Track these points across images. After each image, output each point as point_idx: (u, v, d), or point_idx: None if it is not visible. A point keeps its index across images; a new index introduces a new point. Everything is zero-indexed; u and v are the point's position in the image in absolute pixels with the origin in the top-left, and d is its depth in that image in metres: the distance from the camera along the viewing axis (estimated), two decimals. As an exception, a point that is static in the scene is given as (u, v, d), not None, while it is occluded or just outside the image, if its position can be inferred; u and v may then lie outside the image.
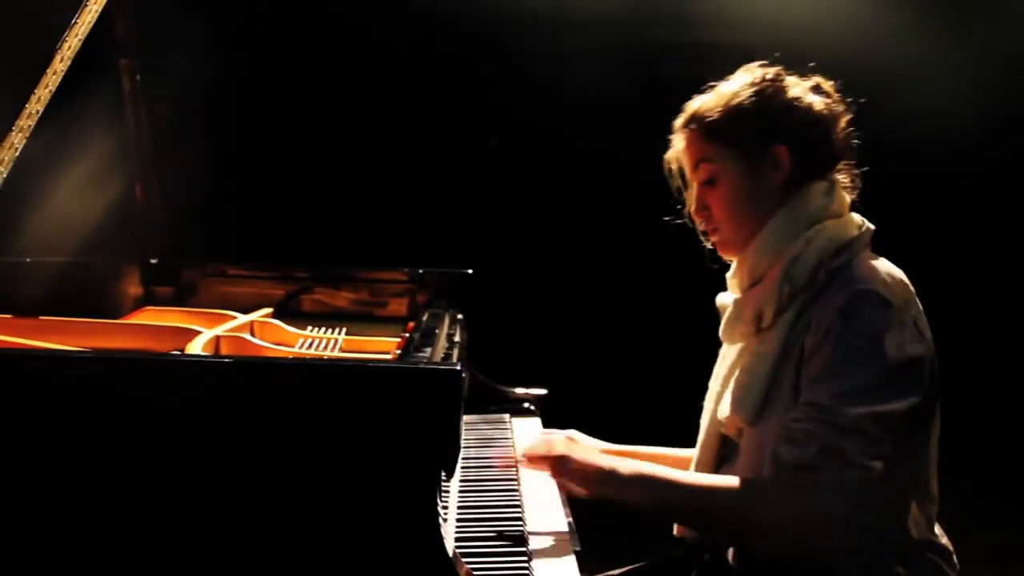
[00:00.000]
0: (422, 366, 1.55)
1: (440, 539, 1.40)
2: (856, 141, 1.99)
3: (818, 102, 1.95)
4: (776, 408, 1.82)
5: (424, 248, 3.23)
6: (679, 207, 2.05)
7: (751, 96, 1.93)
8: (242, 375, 1.50)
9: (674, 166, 2.04)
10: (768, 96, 1.93)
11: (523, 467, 2.03)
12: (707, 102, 1.96)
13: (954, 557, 1.87)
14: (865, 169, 1.99)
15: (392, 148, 3.79)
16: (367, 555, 1.42)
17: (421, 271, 2.84)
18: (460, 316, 2.68)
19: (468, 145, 3.81)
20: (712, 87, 1.99)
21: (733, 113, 1.93)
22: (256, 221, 3.60)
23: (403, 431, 1.43)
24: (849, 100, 1.99)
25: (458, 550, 1.50)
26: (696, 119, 1.96)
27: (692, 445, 2.04)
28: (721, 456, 1.96)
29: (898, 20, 3.74)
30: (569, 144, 3.75)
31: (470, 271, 2.85)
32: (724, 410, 1.91)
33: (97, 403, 1.43)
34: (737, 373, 1.91)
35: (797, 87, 1.95)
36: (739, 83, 1.96)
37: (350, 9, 3.72)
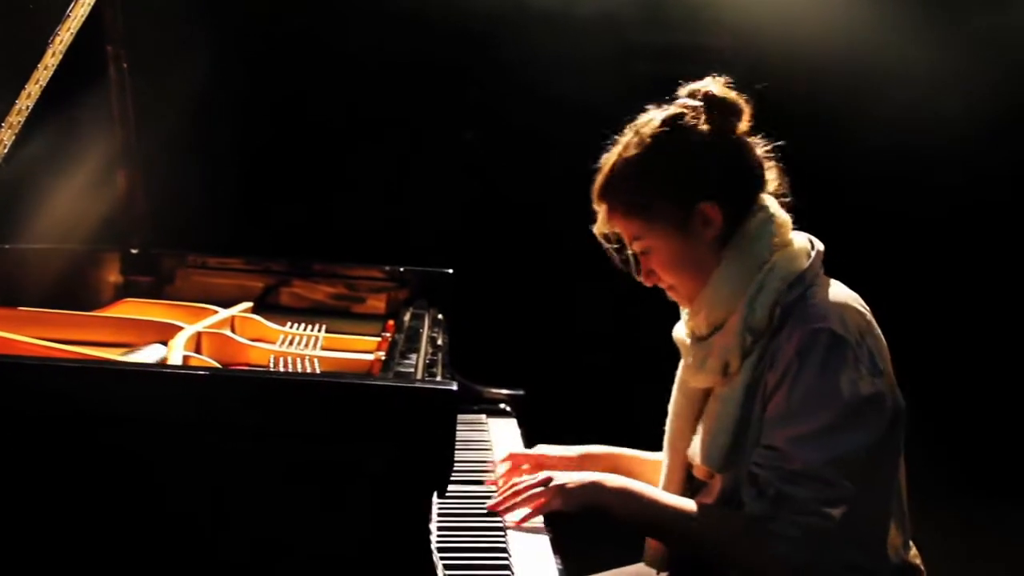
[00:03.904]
0: (416, 385, 1.52)
1: (431, 564, 1.39)
2: (765, 140, 1.89)
3: (721, 123, 1.84)
4: (746, 449, 1.80)
5: (404, 246, 3.22)
6: (624, 264, 1.97)
7: (656, 158, 1.83)
8: (231, 389, 1.46)
9: (607, 232, 1.94)
10: (674, 152, 1.83)
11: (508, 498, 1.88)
12: (615, 173, 1.87)
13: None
14: (780, 152, 1.88)
15: (376, 146, 3.78)
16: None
17: (402, 269, 2.84)
18: (440, 316, 2.67)
19: (449, 146, 3.81)
20: (612, 146, 1.89)
21: (645, 184, 1.84)
22: (239, 214, 3.59)
23: (395, 450, 1.40)
24: (748, 88, 1.88)
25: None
26: (609, 195, 1.88)
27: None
28: (688, 491, 1.95)
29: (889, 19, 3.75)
30: (550, 145, 3.75)
31: (450, 271, 2.85)
32: (694, 456, 1.90)
33: (92, 413, 1.41)
34: (704, 419, 1.89)
35: (696, 118, 1.84)
36: (638, 144, 1.85)
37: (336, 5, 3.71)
